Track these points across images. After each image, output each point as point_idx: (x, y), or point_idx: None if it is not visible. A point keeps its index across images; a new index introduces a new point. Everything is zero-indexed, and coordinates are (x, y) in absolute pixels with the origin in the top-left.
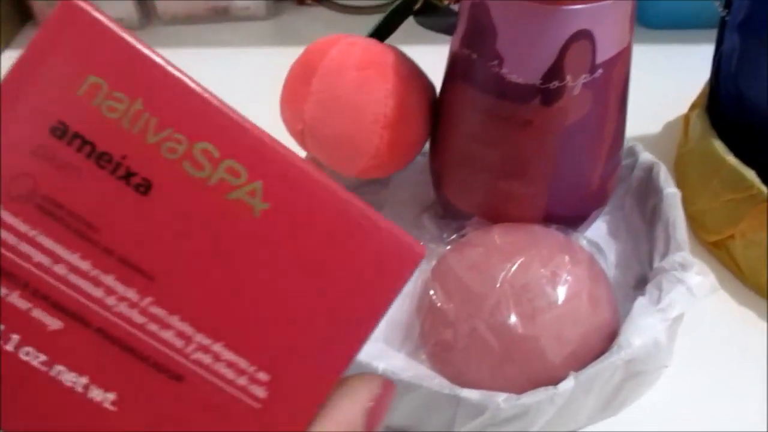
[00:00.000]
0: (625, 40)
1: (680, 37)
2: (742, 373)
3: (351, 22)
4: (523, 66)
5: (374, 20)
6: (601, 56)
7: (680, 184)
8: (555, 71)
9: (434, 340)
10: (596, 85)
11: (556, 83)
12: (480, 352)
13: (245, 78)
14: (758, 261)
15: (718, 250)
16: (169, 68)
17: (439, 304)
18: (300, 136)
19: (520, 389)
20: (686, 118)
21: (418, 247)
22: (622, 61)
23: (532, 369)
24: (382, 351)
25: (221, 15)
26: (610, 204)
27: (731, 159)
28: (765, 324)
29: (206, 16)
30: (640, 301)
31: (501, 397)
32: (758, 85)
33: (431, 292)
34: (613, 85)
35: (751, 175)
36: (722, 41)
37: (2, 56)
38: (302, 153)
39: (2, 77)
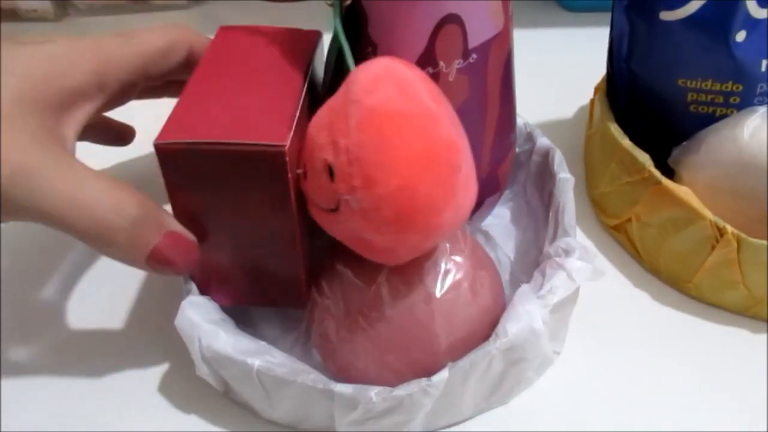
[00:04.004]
0: (499, 25)
1: (600, 19)
2: (638, 356)
3: (273, 9)
4: (395, 52)
5: (300, 7)
6: (474, 41)
7: (586, 168)
8: (427, 57)
9: (318, 333)
10: (472, 70)
11: (429, 69)
12: (362, 345)
13: None
14: (652, 243)
15: (619, 234)
16: None
17: (320, 298)
18: None
19: (405, 380)
20: (592, 102)
21: None
22: (498, 45)
23: (414, 360)
24: (261, 347)
25: (141, 4)
26: (513, 190)
27: (626, 142)
28: (660, 306)
29: (125, 5)
30: (523, 289)
31: (373, 391)
32: (648, 67)
33: (314, 288)
34: (491, 70)
35: (644, 158)
36: (614, 25)
37: None
38: None
39: None
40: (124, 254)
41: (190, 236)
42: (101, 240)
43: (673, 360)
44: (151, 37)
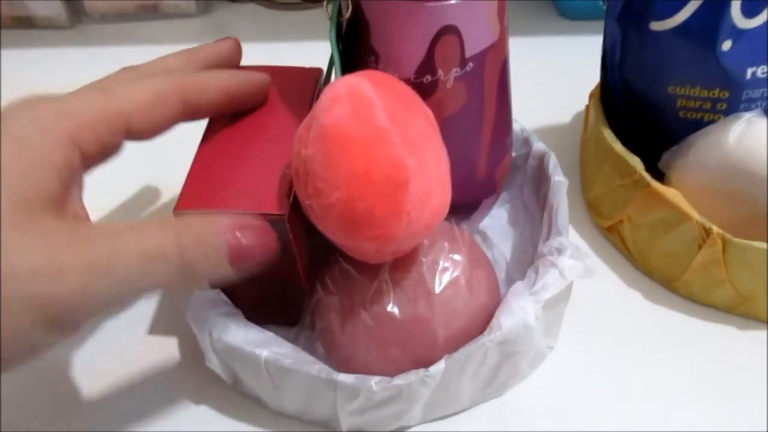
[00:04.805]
0: (494, 34)
1: (597, 27)
2: (630, 352)
3: (283, 18)
4: (396, 61)
5: (306, 16)
6: (471, 50)
7: (581, 172)
8: (426, 66)
9: (322, 326)
10: (469, 78)
11: (428, 77)
12: (365, 338)
13: None
14: (644, 244)
15: (612, 235)
16: None
17: (325, 294)
18: None
19: (404, 372)
20: (587, 108)
21: None
22: (494, 54)
23: (414, 353)
24: (269, 339)
25: (151, 12)
26: (510, 192)
27: (618, 147)
28: (652, 305)
29: (136, 13)
30: (517, 285)
31: (374, 380)
32: (641, 76)
33: (318, 283)
34: (487, 77)
35: (635, 161)
36: (607, 34)
37: None
38: None
39: None
40: (212, 273)
41: (254, 220)
42: (179, 277)
43: (663, 356)
44: (133, 90)
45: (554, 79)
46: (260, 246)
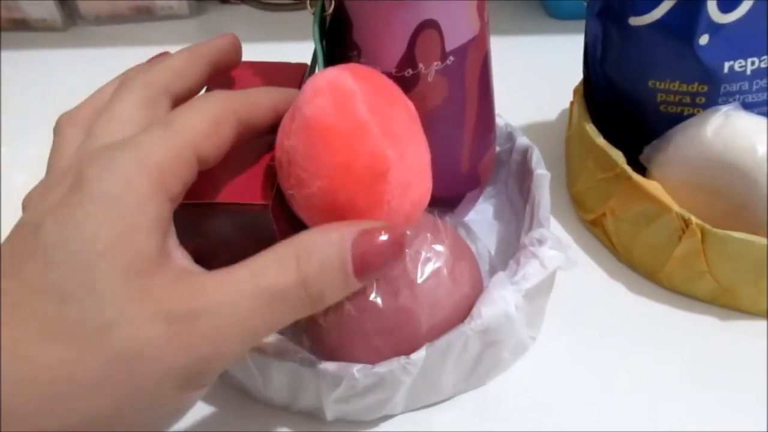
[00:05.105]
0: (474, 29)
1: (583, 27)
2: (613, 343)
3: (274, 19)
4: (377, 56)
5: (296, 17)
6: (451, 44)
7: (567, 166)
8: (407, 60)
9: (308, 318)
10: (450, 72)
11: (409, 71)
12: (350, 329)
13: None
14: (626, 236)
15: (596, 228)
16: None
17: None
18: None
19: None
20: (572, 103)
21: None
22: (474, 48)
23: (397, 343)
24: None
25: (144, 14)
26: (495, 187)
27: (601, 141)
28: (635, 297)
29: (130, 15)
30: (498, 276)
31: (355, 368)
32: (621, 71)
33: None
34: (468, 71)
35: (617, 155)
36: (588, 30)
37: None
38: None
39: None
40: (340, 293)
41: (374, 222)
42: (308, 308)
43: (646, 347)
44: (194, 119)
45: (542, 77)
46: (386, 248)
